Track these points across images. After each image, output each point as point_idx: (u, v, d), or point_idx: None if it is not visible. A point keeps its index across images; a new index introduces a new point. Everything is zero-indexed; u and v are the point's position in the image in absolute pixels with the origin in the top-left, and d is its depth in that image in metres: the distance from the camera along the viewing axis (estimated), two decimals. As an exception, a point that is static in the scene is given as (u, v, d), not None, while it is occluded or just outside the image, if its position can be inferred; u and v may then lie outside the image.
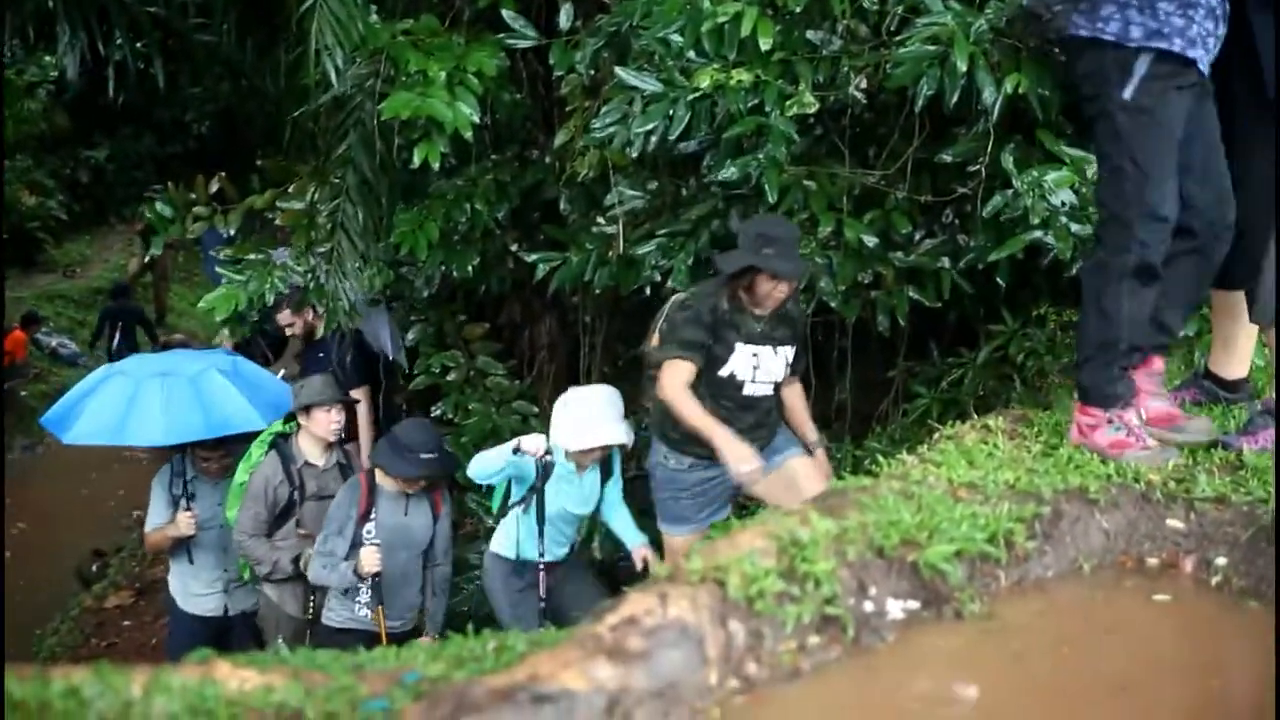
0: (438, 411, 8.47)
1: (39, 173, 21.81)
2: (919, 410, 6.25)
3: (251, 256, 8.14)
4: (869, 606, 2.83)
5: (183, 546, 6.98)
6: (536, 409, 8.12)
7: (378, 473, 6.38)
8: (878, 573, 2.91)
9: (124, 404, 6.74)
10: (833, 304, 6.09)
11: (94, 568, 12.30)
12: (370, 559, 6.15)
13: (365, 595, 6.30)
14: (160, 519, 6.95)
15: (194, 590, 7.08)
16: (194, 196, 8.30)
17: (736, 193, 6.18)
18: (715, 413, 5.29)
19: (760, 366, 5.44)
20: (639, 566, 6.14)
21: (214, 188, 8.35)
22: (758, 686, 2.54)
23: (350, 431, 7.49)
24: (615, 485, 6.38)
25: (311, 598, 6.67)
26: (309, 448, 6.71)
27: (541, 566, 6.25)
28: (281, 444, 6.73)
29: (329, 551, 6.21)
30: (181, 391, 6.82)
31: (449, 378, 8.40)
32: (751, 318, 5.39)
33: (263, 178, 8.60)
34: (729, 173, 5.84)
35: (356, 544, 6.25)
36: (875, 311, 6.17)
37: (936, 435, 4.26)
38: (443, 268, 7.82)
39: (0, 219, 17.22)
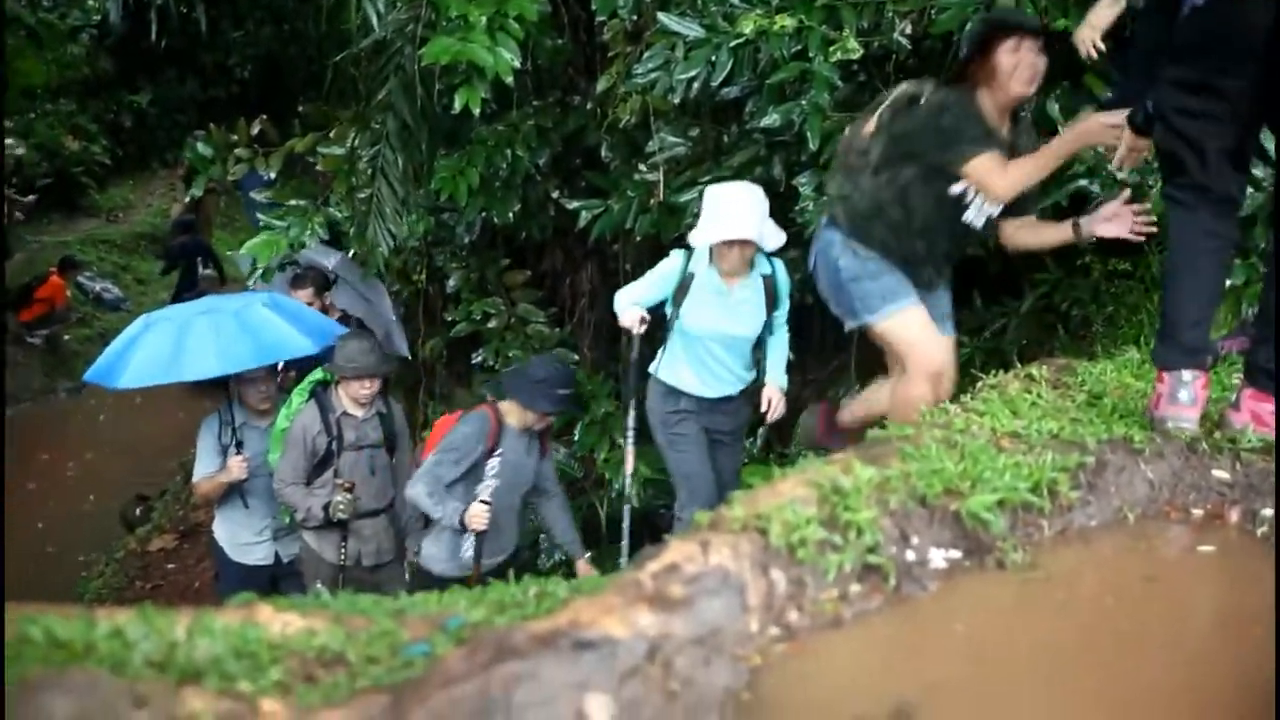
0: (478, 358, 8.49)
1: (82, 117, 21.88)
2: (962, 358, 6.21)
3: (292, 202, 8.15)
4: (911, 555, 2.82)
5: (236, 493, 7.00)
6: (577, 356, 8.13)
7: (504, 409, 6.31)
8: (920, 522, 2.89)
9: (173, 343, 6.75)
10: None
11: (138, 511, 12.42)
12: (479, 519, 6.07)
13: (470, 538, 6.26)
14: (210, 467, 6.97)
15: (243, 539, 7.11)
16: (235, 139, 8.33)
17: (779, 139, 6.15)
18: (908, 233, 4.88)
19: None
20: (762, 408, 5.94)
21: (255, 130, 8.38)
22: (799, 635, 2.53)
23: None
24: (781, 312, 5.98)
25: (343, 545, 6.71)
26: (348, 399, 6.71)
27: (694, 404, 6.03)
28: (321, 393, 6.74)
29: (437, 477, 6.16)
30: (228, 325, 6.85)
31: (490, 324, 8.42)
32: (994, 125, 4.78)
33: (304, 122, 8.63)
34: (771, 119, 5.81)
35: (476, 479, 6.25)
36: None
37: (979, 384, 4.23)
38: (483, 214, 7.82)
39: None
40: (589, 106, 7.51)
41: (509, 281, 8.63)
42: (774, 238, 5.70)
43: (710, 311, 5.81)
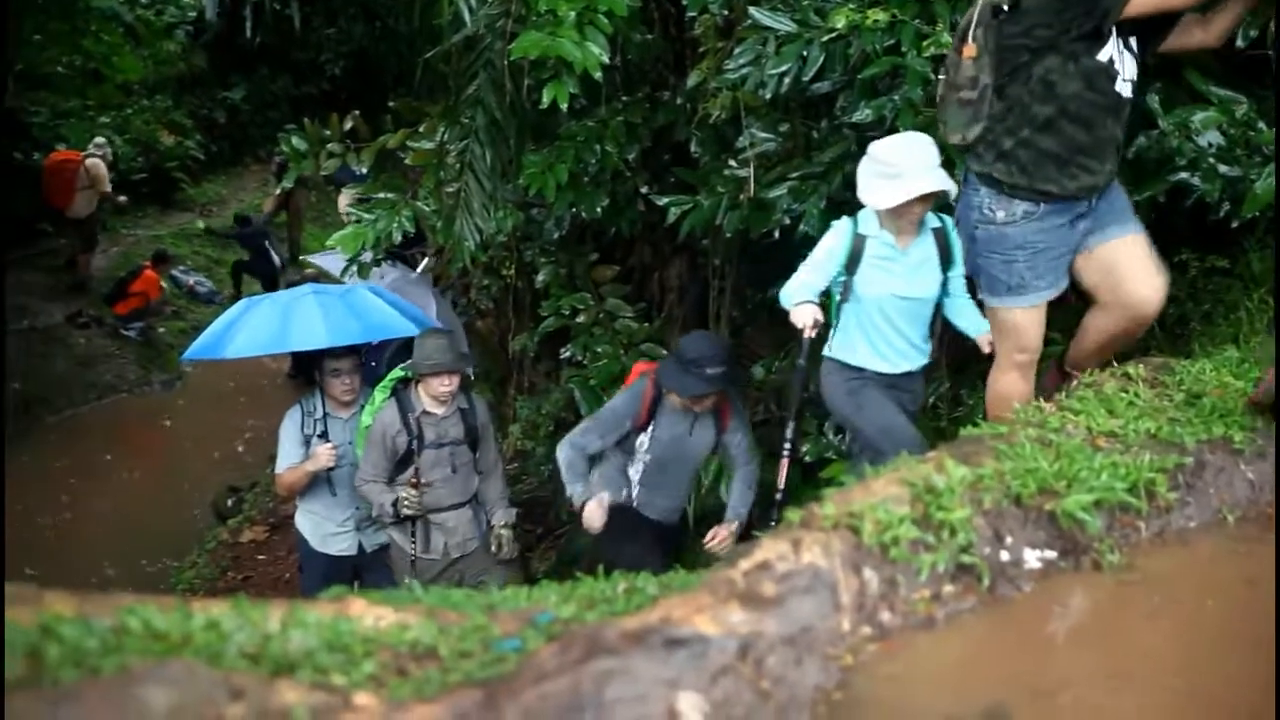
0: (567, 353, 8.51)
1: (177, 113, 22.19)
2: (1055, 356, 6.14)
3: (381, 195, 8.21)
4: (1005, 556, 2.79)
5: (323, 482, 7.06)
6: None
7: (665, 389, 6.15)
8: (1014, 521, 2.86)
9: (280, 318, 6.95)
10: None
11: (229, 503, 12.58)
12: (594, 515, 6.05)
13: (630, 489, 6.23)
14: (293, 458, 7.02)
15: (327, 530, 7.18)
16: (328, 133, 8.39)
17: (870, 135, 6.09)
18: (1068, 126, 4.54)
19: (1125, 57, 4.57)
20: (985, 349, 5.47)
21: (348, 126, 8.45)
22: (891, 634, 2.52)
23: None
24: (957, 270, 5.45)
25: (413, 539, 6.76)
26: (428, 397, 6.73)
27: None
28: (401, 391, 6.75)
29: (580, 447, 6.17)
30: (335, 304, 7.04)
31: (578, 319, 8.43)
32: None
33: (395, 118, 8.68)
34: (863, 114, 5.76)
35: (629, 451, 6.24)
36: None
37: (1075, 382, 4.18)
38: (572, 209, 7.83)
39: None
40: (678, 102, 7.49)
41: (597, 276, 8.64)
42: (951, 185, 5.23)
43: (887, 277, 5.39)
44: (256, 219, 19.40)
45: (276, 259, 18.66)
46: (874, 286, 5.37)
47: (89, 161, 17.12)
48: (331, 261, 9.90)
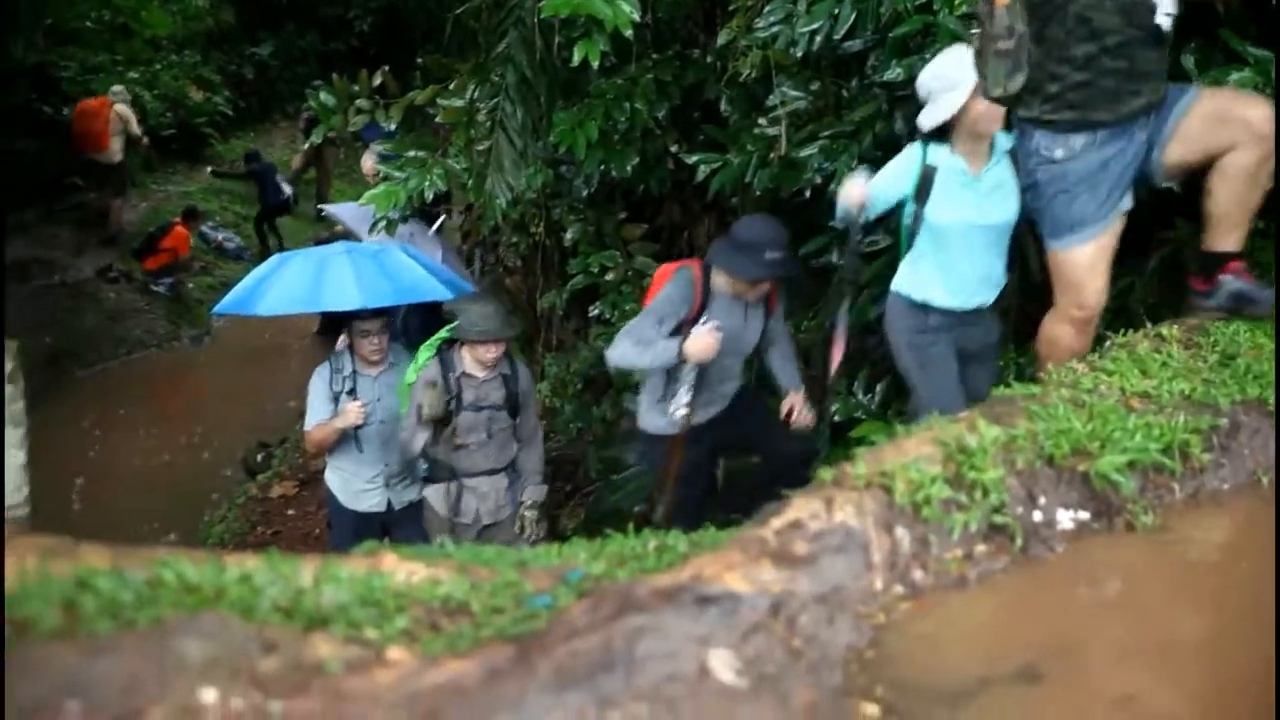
0: (595, 311, 8.50)
1: (205, 69, 22.21)
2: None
3: (411, 153, 8.20)
4: (1038, 516, 2.78)
5: (350, 439, 7.06)
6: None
7: (714, 274, 5.96)
8: (1047, 482, 2.85)
9: (313, 276, 6.91)
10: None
11: (259, 458, 12.64)
12: (703, 344, 5.74)
13: (685, 395, 6.01)
14: (321, 414, 7.03)
15: (356, 487, 7.19)
16: (357, 90, 8.38)
17: (901, 94, 6.06)
18: (1108, 60, 4.47)
19: None
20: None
21: (376, 82, 8.43)
22: (923, 593, 2.51)
23: None
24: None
25: (458, 500, 6.78)
26: (471, 359, 6.72)
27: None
28: (445, 351, 6.75)
29: (639, 335, 5.96)
30: (368, 265, 6.99)
31: (607, 277, 8.42)
32: None
33: (424, 74, 8.66)
34: (894, 73, 5.74)
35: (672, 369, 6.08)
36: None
37: (1108, 343, 4.15)
38: (602, 167, 7.80)
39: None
40: (709, 60, 7.46)
41: (626, 235, 8.62)
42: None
43: (961, 203, 5.18)
44: (264, 157, 19.75)
45: (287, 190, 19.15)
46: (947, 214, 5.19)
47: (118, 106, 17.23)
48: (347, 211, 9.88)
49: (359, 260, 7.03)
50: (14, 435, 2.87)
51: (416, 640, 2.09)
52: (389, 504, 7.21)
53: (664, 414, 6.13)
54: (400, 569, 2.35)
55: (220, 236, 19.00)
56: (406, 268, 7.17)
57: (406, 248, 7.63)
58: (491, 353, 6.62)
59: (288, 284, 6.95)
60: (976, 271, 5.29)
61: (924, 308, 5.33)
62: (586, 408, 8.90)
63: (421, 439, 6.70)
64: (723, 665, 2.04)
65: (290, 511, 11.02)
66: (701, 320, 5.86)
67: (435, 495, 6.89)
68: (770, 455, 6.42)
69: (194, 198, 19.29)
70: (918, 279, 5.34)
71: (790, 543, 2.38)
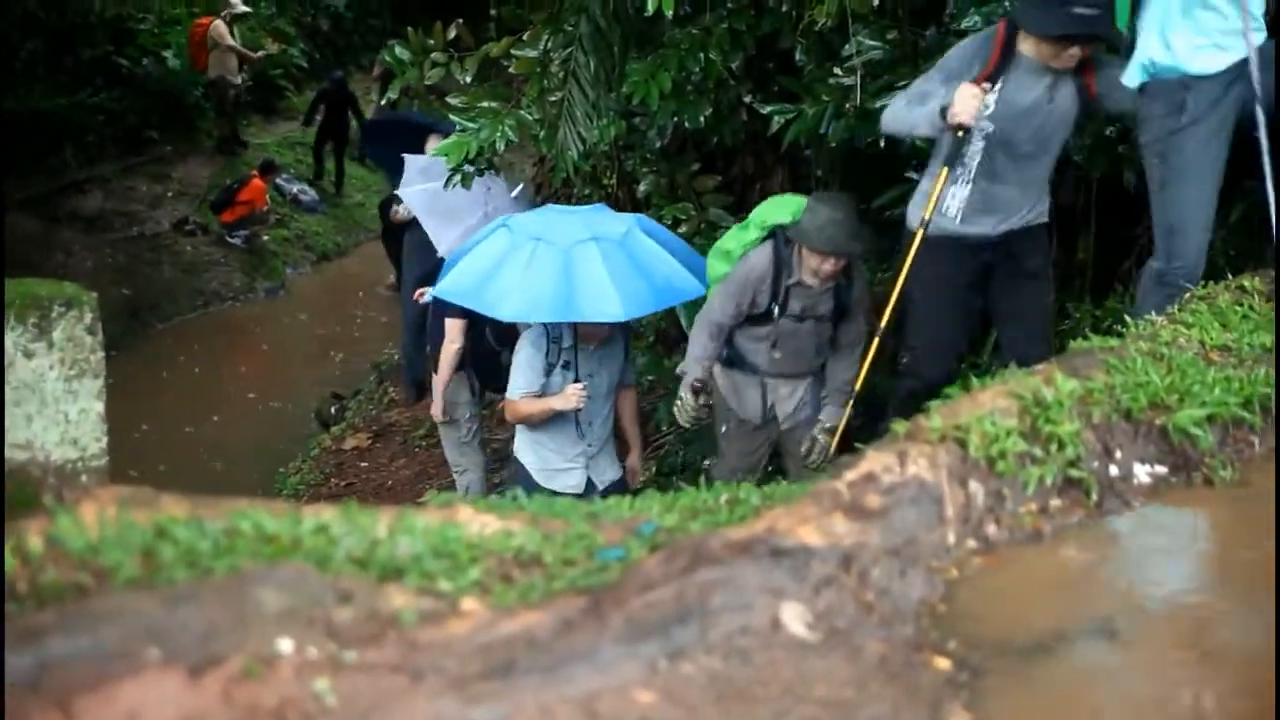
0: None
1: (281, 20, 22.24)
2: None
3: (484, 104, 8.19)
4: (1114, 470, 2.75)
5: (569, 419, 6.56)
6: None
7: (1020, 39, 5.11)
8: (1124, 436, 2.82)
9: (563, 278, 6.19)
10: (1077, 158, 5.88)
11: (333, 410, 12.73)
12: (964, 104, 4.98)
13: (960, 186, 5.32)
14: (531, 385, 6.50)
15: (556, 465, 6.69)
16: (431, 43, 8.37)
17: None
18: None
19: None
20: None
21: (451, 34, 8.41)
22: (997, 548, 2.50)
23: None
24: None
25: (764, 398, 6.35)
26: (807, 269, 6.00)
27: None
28: (782, 247, 6.04)
29: (914, 94, 5.35)
30: (617, 257, 6.32)
31: (680, 229, 8.38)
32: None
33: (499, 25, 8.63)
34: (972, 21, 5.68)
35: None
36: (1122, 167, 5.93)
37: (1187, 295, 4.10)
38: (675, 118, 7.77)
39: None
40: (783, 9, 7.37)
41: (699, 186, 8.57)
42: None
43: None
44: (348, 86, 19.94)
45: (353, 120, 19.29)
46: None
47: (216, 22, 17.71)
48: (414, 167, 9.69)
49: (609, 250, 6.33)
50: (93, 386, 2.91)
51: (489, 591, 2.11)
52: (589, 483, 6.67)
53: (935, 207, 5.36)
54: (474, 521, 2.36)
55: (295, 189, 19.08)
56: (657, 260, 6.51)
57: (642, 219, 7.00)
58: (831, 266, 5.89)
59: (533, 287, 6.21)
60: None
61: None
62: (658, 359, 8.88)
63: (714, 348, 6.23)
64: (794, 618, 2.04)
65: (364, 464, 11.09)
66: (996, 85, 5.07)
67: (736, 390, 6.40)
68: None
69: (269, 150, 19.39)
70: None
71: (863, 495, 2.37)
